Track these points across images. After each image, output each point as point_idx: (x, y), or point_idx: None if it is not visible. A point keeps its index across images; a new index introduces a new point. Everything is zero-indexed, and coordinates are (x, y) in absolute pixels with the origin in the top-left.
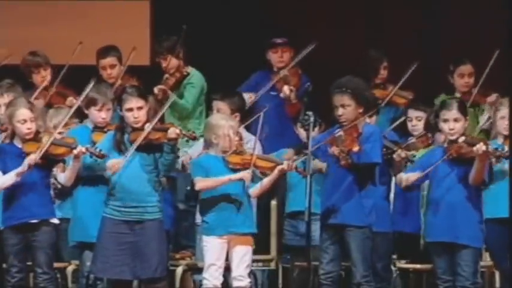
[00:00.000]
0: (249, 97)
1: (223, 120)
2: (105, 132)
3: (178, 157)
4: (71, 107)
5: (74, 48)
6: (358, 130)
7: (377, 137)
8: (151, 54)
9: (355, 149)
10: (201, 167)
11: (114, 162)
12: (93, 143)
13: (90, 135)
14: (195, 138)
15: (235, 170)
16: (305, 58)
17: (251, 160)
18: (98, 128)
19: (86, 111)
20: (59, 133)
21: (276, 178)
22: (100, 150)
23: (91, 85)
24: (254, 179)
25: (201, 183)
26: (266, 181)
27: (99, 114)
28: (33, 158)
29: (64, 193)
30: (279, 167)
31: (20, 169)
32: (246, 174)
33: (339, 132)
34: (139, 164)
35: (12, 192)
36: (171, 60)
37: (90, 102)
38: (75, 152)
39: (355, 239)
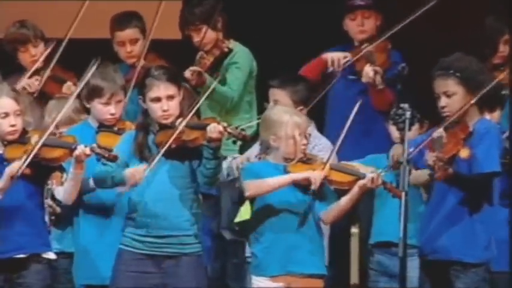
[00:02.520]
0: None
1: (286, 115)
2: (116, 133)
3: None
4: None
5: (78, 15)
6: (467, 128)
7: (494, 138)
8: (181, 24)
9: (464, 154)
10: (254, 173)
11: (133, 172)
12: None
13: (94, 136)
14: (245, 138)
15: (299, 185)
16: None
17: (322, 172)
18: (105, 128)
19: (88, 105)
20: (55, 134)
21: (357, 197)
22: (111, 151)
23: (92, 69)
24: (328, 197)
25: (253, 186)
26: (344, 201)
27: (106, 109)
28: (16, 166)
29: (64, 218)
30: (360, 182)
31: (1, 183)
32: (315, 175)
33: (439, 132)
34: (169, 176)
35: None
36: (207, 32)
37: (94, 92)
38: (76, 153)
39: (465, 282)
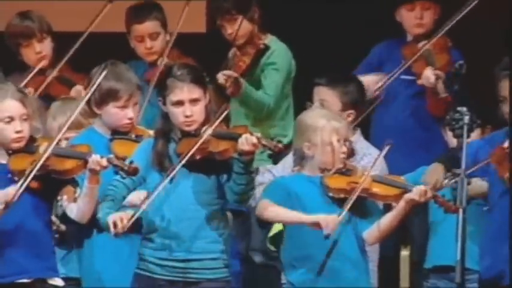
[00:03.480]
0: (374, 82)
1: (323, 119)
2: (133, 141)
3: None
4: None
5: (93, 7)
6: None
7: None
8: (209, 16)
9: None
10: (281, 190)
11: (116, 218)
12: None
13: (107, 145)
14: (280, 151)
15: (337, 200)
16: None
17: (360, 183)
18: (121, 135)
19: (98, 111)
20: (60, 140)
21: (404, 213)
22: (131, 163)
23: (103, 73)
24: (372, 214)
25: (270, 209)
26: (388, 218)
27: (123, 113)
28: (12, 192)
29: (70, 237)
30: (407, 196)
31: None
32: (328, 220)
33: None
34: (193, 192)
35: None
36: (243, 22)
37: (108, 96)
38: (90, 164)
39: None
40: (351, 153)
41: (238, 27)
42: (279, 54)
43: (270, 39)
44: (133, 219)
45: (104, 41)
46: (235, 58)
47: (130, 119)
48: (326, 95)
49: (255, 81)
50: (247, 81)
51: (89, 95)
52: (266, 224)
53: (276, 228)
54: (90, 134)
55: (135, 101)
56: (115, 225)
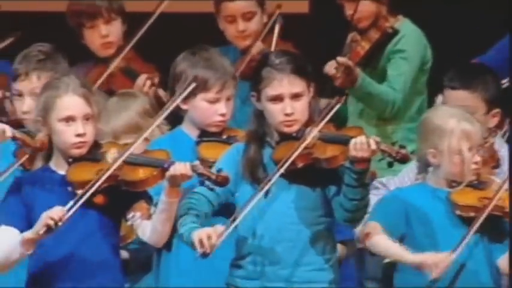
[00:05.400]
0: None
1: (452, 119)
2: (225, 142)
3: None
4: (157, 96)
5: None
6: None
7: None
8: None
9: None
10: (396, 207)
11: (204, 235)
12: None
13: (194, 149)
14: (404, 159)
15: (467, 220)
16: None
17: (492, 198)
18: (210, 136)
19: (184, 105)
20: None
21: None
22: (219, 171)
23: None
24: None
25: (373, 239)
26: None
27: (214, 108)
28: (58, 213)
29: (135, 262)
30: None
31: (29, 234)
32: (437, 259)
33: None
34: (294, 208)
35: (44, 256)
36: (366, 2)
37: (196, 85)
38: (170, 173)
39: None
40: (497, 163)
41: (356, 8)
42: (409, 40)
43: (401, 23)
44: (224, 237)
45: (181, 23)
46: (353, 43)
47: (222, 115)
48: (467, 100)
49: (379, 73)
50: (368, 73)
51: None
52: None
53: None
54: (176, 136)
55: (228, 94)
56: (202, 244)
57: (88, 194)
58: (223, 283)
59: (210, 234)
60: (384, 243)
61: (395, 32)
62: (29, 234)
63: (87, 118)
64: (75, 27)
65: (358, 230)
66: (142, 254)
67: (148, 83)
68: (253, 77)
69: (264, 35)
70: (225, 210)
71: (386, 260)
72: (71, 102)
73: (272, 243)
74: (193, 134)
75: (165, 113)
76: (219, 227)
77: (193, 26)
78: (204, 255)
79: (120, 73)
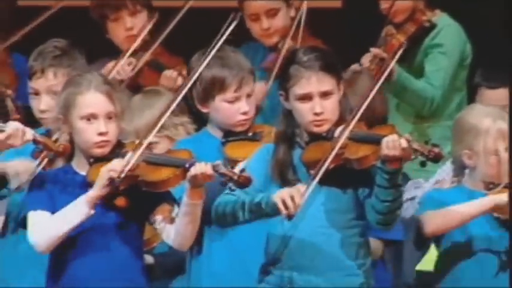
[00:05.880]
0: None
1: (487, 118)
2: (251, 139)
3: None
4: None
5: None
6: None
7: None
8: None
9: None
10: (437, 204)
11: (287, 194)
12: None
13: (220, 149)
14: (437, 158)
15: (504, 222)
16: None
17: None
18: (235, 136)
19: (204, 109)
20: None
21: None
22: (242, 171)
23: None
24: None
25: (436, 219)
26: None
27: (235, 107)
28: (118, 165)
29: (163, 274)
30: None
31: (93, 192)
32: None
33: None
34: (324, 210)
35: (65, 260)
36: None
37: (213, 87)
38: (192, 173)
39: None
40: None
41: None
42: (447, 34)
43: (438, 17)
44: (306, 196)
45: (209, 18)
46: (388, 37)
47: (245, 113)
48: (505, 99)
49: (416, 69)
50: (405, 69)
51: (188, 85)
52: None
53: (424, 265)
54: (201, 138)
55: (247, 90)
56: (286, 205)
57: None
58: (254, 286)
59: (292, 194)
60: (440, 212)
61: (433, 26)
62: (92, 192)
63: (109, 116)
64: (98, 20)
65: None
66: (168, 259)
67: (175, 74)
68: (281, 75)
69: (293, 31)
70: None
71: (418, 268)
72: (92, 100)
73: (300, 247)
74: (218, 134)
75: (176, 100)
76: (301, 186)
77: (221, 21)
78: (289, 216)
79: (147, 67)
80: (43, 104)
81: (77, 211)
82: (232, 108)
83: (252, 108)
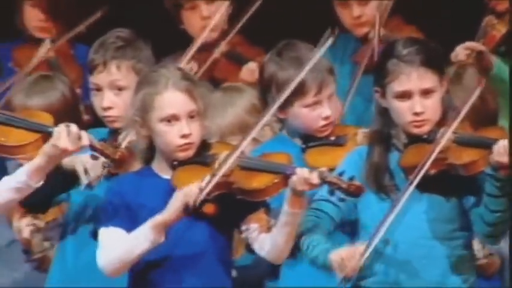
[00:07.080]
0: None
1: None
2: (334, 144)
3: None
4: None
5: None
6: None
7: None
8: None
9: None
10: None
11: (343, 258)
12: None
13: (299, 156)
14: None
15: None
16: None
17: None
18: (317, 141)
19: (282, 115)
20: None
21: None
22: (351, 179)
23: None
24: None
25: None
26: None
27: (316, 113)
28: (194, 190)
29: (246, 282)
30: None
31: (161, 216)
32: None
33: None
34: (427, 220)
35: (147, 280)
36: None
37: (293, 93)
38: (294, 180)
39: None
40: None
41: None
42: None
43: None
44: (365, 257)
45: (290, 4)
46: (488, 28)
47: (326, 118)
48: None
49: None
50: (506, 61)
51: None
52: None
53: None
54: (281, 143)
55: (328, 92)
56: (342, 268)
57: (202, 196)
58: None
59: (351, 256)
60: None
61: None
62: (162, 217)
63: (192, 116)
64: (171, 9)
65: None
66: (251, 272)
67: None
68: (377, 70)
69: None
70: None
71: None
72: (172, 99)
73: (400, 260)
74: (297, 140)
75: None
76: (360, 247)
77: (301, 7)
78: (346, 280)
79: (224, 59)
80: (106, 101)
81: (144, 237)
82: (312, 113)
83: (334, 111)
